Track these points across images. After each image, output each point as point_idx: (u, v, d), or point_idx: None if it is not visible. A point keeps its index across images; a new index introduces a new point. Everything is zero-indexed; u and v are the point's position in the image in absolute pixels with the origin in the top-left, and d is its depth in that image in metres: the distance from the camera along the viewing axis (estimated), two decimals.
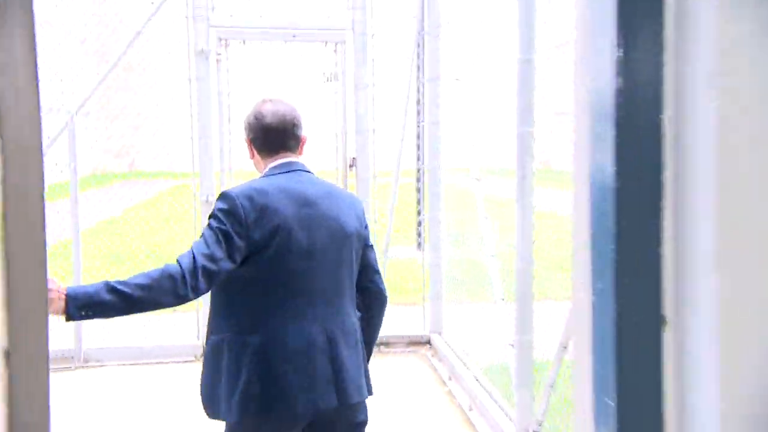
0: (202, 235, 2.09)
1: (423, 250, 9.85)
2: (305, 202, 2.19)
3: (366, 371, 2.33)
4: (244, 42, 5.48)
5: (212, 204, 2.41)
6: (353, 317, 2.30)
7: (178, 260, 2.03)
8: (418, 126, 6.53)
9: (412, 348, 5.66)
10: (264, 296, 2.17)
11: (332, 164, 5.81)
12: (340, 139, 5.66)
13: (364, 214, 2.40)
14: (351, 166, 5.60)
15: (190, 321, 5.84)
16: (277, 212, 2.13)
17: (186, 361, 5.39)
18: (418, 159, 9.17)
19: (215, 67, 5.39)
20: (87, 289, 1.98)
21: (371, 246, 2.43)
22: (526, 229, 3.51)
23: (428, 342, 5.67)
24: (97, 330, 5.78)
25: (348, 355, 2.23)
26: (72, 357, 5.31)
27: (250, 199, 2.12)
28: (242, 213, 2.08)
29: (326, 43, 5.61)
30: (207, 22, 5.32)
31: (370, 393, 2.32)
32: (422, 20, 5.58)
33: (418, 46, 5.81)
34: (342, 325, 2.23)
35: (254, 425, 2.16)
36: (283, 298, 2.17)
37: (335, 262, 2.23)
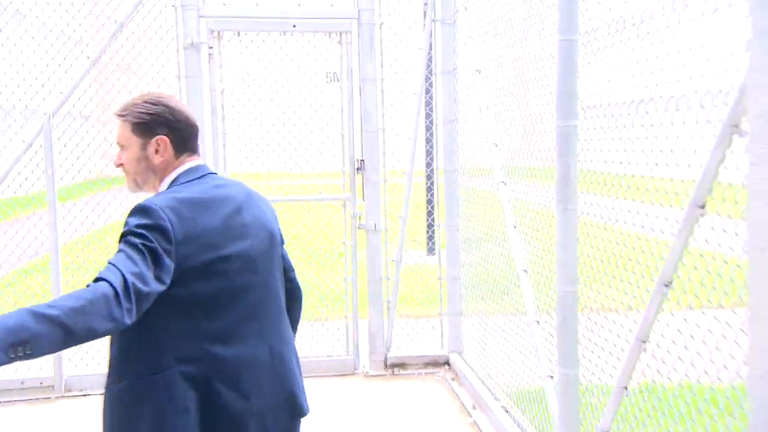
0: (123, 252, 1.74)
1: (436, 255, 9.32)
2: (235, 208, 1.99)
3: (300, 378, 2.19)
4: (238, 34, 4.95)
5: None
6: (288, 324, 2.18)
7: (104, 278, 1.65)
8: (430, 123, 5.99)
9: (429, 369, 5.12)
10: (203, 320, 1.90)
11: (337, 167, 5.28)
12: (346, 139, 5.13)
13: (274, 215, 2.21)
14: (358, 169, 5.06)
15: None
16: (208, 225, 1.90)
17: None
18: (428, 157, 8.70)
19: (207, 62, 4.85)
20: (6, 322, 1.50)
21: (284, 242, 2.28)
22: (569, 244, 2.97)
23: (447, 362, 5.13)
24: (81, 355, 5.25)
25: (294, 367, 2.13)
26: (52, 386, 4.79)
27: (176, 211, 1.84)
28: (170, 227, 1.80)
29: (330, 34, 5.07)
30: (197, 11, 4.78)
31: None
32: (434, 6, 5.04)
33: (431, 35, 5.27)
34: (284, 338, 2.11)
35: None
36: (224, 319, 1.94)
37: (270, 270, 2.09)
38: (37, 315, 1.53)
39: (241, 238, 1.97)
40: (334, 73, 5.42)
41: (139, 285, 1.68)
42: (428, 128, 7.71)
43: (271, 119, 5.50)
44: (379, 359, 5.12)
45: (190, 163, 2.02)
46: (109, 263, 1.71)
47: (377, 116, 5.06)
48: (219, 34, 4.88)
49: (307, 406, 2.17)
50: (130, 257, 1.72)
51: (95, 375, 4.85)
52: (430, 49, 5.31)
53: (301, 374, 2.18)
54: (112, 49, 4.91)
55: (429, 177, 9.22)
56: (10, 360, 1.50)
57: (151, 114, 1.97)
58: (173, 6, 4.80)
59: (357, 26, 4.95)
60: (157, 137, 1.96)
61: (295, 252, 10.02)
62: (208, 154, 4.91)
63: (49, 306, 1.57)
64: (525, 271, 3.69)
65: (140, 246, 1.74)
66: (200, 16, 4.81)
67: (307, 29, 4.98)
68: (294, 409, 2.11)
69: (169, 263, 1.79)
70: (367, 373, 5.08)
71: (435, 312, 6.37)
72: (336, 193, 5.53)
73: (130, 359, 1.89)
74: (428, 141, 8.35)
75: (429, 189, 9.76)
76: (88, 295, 1.60)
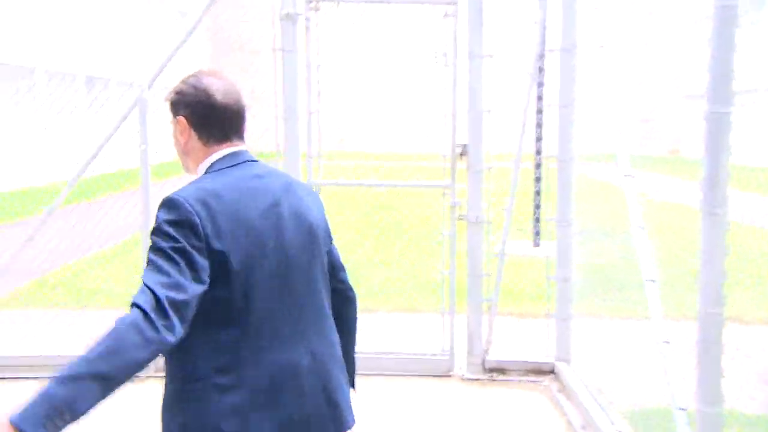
0: (152, 263, 1.62)
1: (542, 248, 8.72)
2: (272, 201, 1.82)
3: (347, 390, 2.02)
4: (338, 4, 4.61)
5: None
6: (333, 327, 1.99)
7: (133, 303, 1.54)
8: (541, 106, 5.44)
9: (531, 377, 4.65)
10: (237, 324, 1.75)
11: (438, 149, 4.88)
12: (449, 121, 4.70)
13: (322, 208, 2.03)
14: (461, 154, 4.63)
15: None
16: (242, 218, 1.74)
17: None
18: (538, 143, 8.10)
19: (303, 34, 4.55)
20: (36, 401, 1.41)
21: (332, 239, 2.09)
22: (716, 256, 2.45)
23: (552, 371, 4.65)
24: None
25: (338, 373, 1.95)
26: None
27: (205, 204, 1.70)
28: (198, 222, 1.67)
29: (435, 4, 4.64)
30: None
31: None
32: None
33: (547, 7, 4.73)
34: (327, 341, 1.93)
35: None
36: (262, 323, 1.77)
37: (310, 268, 1.89)
38: (62, 379, 1.43)
39: (275, 232, 1.80)
40: (445, 54, 5.00)
41: (174, 295, 1.56)
42: (538, 111, 7.11)
43: (368, 97, 5.16)
44: (477, 362, 4.72)
45: (228, 149, 1.87)
46: (142, 279, 1.58)
47: (483, 96, 4.59)
48: (317, 4, 4.56)
49: (353, 418, 2.00)
50: (159, 269, 1.59)
51: None
52: (545, 22, 4.77)
53: (346, 383, 2.01)
54: (214, 22, 4.72)
55: (538, 165, 8.66)
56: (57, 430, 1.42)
57: (177, 93, 1.87)
58: None
59: None
60: (178, 117, 1.85)
61: (391, 238, 9.78)
62: (301, 132, 4.64)
63: (76, 363, 1.46)
64: (653, 280, 3.16)
65: (169, 251, 1.62)
66: None
67: (410, 0, 4.58)
68: (338, 420, 1.92)
69: (203, 261, 1.65)
70: (463, 376, 4.70)
71: (540, 312, 5.89)
72: (436, 179, 5.13)
73: (172, 365, 1.77)
74: (538, 125, 7.80)
75: (537, 179, 9.21)
76: (114, 333, 1.49)
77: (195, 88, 1.85)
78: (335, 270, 2.09)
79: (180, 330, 1.56)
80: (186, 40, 4.59)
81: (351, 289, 2.18)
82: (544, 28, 4.79)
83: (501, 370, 4.70)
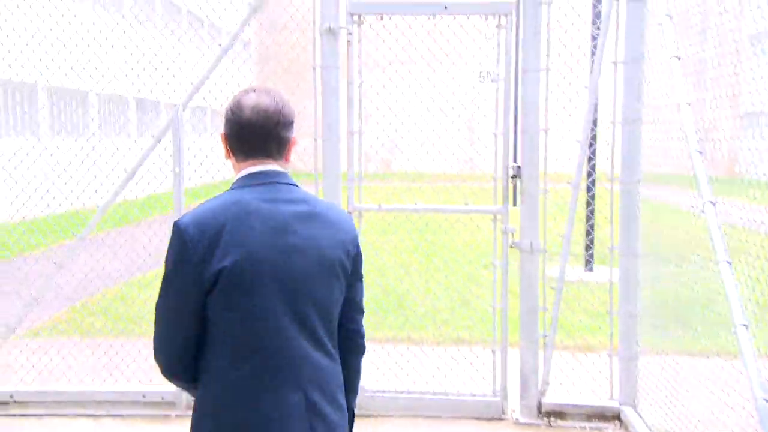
0: (156, 310, 1.81)
1: (594, 272, 8.18)
2: (281, 228, 1.75)
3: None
4: (381, 17, 4.30)
5: None
6: (335, 369, 1.85)
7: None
8: (594, 122, 5.01)
9: (594, 423, 4.19)
10: (225, 357, 1.73)
11: (486, 169, 4.49)
12: (500, 141, 4.31)
13: (355, 239, 1.92)
14: (514, 176, 4.23)
15: None
16: (239, 243, 1.69)
17: None
18: (590, 164, 7.60)
19: (345, 50, 4.25)
20: None
21: (361, 278, 1.98)
22: None
23: (617, 416, 4.17)
24: None
25: (335, 419, 1.81)
26: (173, 403, 4.44)
27: (201, 227, 1.70)
28: (191, 249, 1.69)
29: (486, 16, 4.28)
30: None
31: None
32: None
33: (608, 17, 4.32)
34: (325, 383, 1.80)
35: None
36: (252, 357, 1.72)
37: (316, 303, 1.79)
38: None
39: (278, 262, 1.72)
40: (488, 72, 4.64)
41: (162, 354, 1.81)
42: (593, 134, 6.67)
43: (413, 115, 4.81)
44: (532, 404, 4.27)
45: (253, 167, 1.81)
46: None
47: (539, 113, 4.19)
48: (360, 18, 4.26)
49: None
50: (159, 296, 1.78)
51: None
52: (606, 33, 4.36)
53: (345, 410, 1.88)
54: (251, 39, 4.45)
55: (590, 185, 8.12)
56: None
57: (226, 109, 1.86)
58: None
59: (520, 6, 4.13)
60: (222, 135, 1.88)
61: (438, 265, 9.37)
62: (342, 153, 4.32)
63: None
64: (745, 326, 2.69)
65: (167, 276, 1.75)
66: None
67: (460, 11, 4.24)
68: None
69: (192, 289, 1.70)
70: (517, 420, 4.25)
71: (598, 344, 5.41)
72: (485, 203, 4.74)
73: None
74: (590, 143, 7.30)
75: (589, 202, 8.65)
76: None
77: (231, 103, 1.84)
78: (352, 310, 1.95)
79: (170, 358, 1.84)
80: (221, 58, 4.33)
81: (362, 336, 2.02)
82: (604, 38, 4.37)
83: (559, 414, 4.24)
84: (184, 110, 4.42)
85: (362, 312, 2.02)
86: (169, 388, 4.40)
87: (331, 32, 4.18)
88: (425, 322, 6.71)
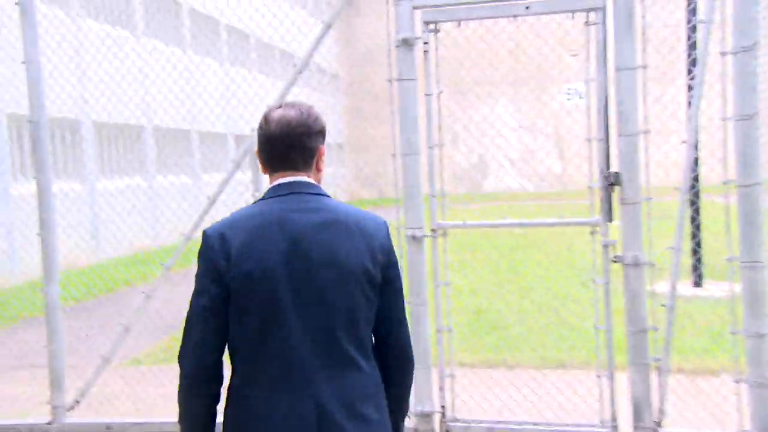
0: (186, 317, 1.82)
1: (701, 286, 7.53)
2: (298, 237, 1.74)
3: None
4: (459, 24, 4.03)
5: (420, 241, 2.89)
6: (362, 378, 1.78)
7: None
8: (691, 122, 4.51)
9: None
10: (240, 360, 1.79)
11: (584, 181, 4.10)
12: (594, 147, 3.92)
13: (382, 244, 1.84)
14: (612, 184, 3.82)
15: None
16: (255, 252, 1.73)
17: None
18: (695, 167, 6.96)
19: (422, 61, 4.01)
20: None
21: (396, 289, 1.89)
22: None
23: None
24: None
25: (351, 421, 1.72)
26: None
27: (222, 238, 1.76)
28: (213, 257, 1.75)
29: (573, 14, 3.93)
30: (410, 2, 3.98)
31: None
32: None
33: (712, 9, 3.87)
34: (341, 393, 1.74)
35: None
36: (263, 363, 1.75)
37: (335, 312, 1.75)
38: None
39: (292, 272, 1.73)
40: (575, 88, 4.28)
41: (186, 359, 1.80)
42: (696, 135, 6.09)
43: (496, 125, 4.48)
44: None
45: (280, 179, 1.85)
46: None
47: (637, 115, 3.77)
48: (436, 26, 4.01)
49: None
50: (187, 326, 1.80)
51: None
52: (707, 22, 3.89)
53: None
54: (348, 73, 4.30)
55: (697, 192, 7.42)
56: None
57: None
58: (385, 1, 4.05)
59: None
60: (256, 151, 1.97)
61: (531, 282, 8.88)
62: (422, 170, 4.06)
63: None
64: None
65: (197, 280, 1.79)
66: (414, 8, 3.99)
67: (543, 10, 3.91)
68: None
69: (216, 292, 1.75)
70: None
71: (715, 366, 4.84)
72: (581, 216, 4.32)
73: None
74: (694, 145, 6.67)
75: (693, 216, 7.93)
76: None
77: (263, 120, 1.87)
78: (389, 323, 1.89)
79: (194, 361, 1.83)
80: (295, 80, 4.19)
81: (404, 349, 1.94)
82: (708, 26, 3.91)
83: None
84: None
85: (402, 324, 1.94)
86: None
87: (407, 43, 3.96)
88: (521, 344, 6.29)
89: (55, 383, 4.54)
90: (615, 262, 3.81)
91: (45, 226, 4.48)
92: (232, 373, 1.81)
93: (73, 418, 4.55)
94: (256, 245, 1.73)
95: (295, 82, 4.21)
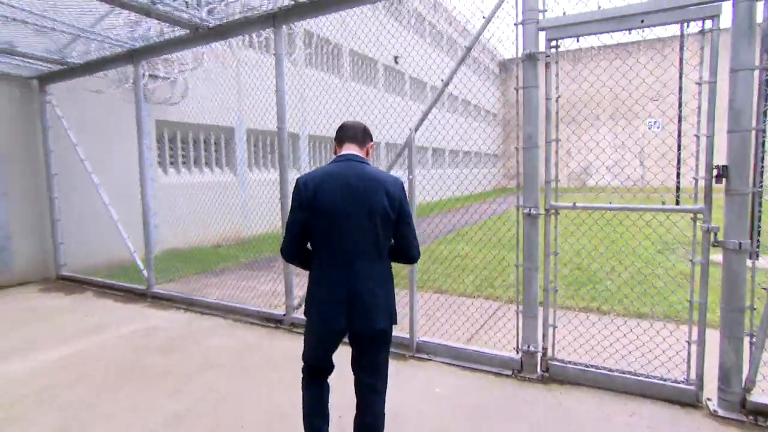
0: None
1: None
2: (345, 185, 2.06)
3: (388, 309, 2.12)
4: (577, 40, 3.24)
5: (535, 218, 2.95)
6: (378, 268, 2.10)
7: None
8: None
9: None
10: (317, 247, 2.14)
11: (688, 176, 3.16)
12: (702, 142, 2.97)
13: (396, 194, 2.09)
14: (718, 176, 2.88)
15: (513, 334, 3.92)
16: (323, 192, 2.07)
17: (500, 374, 3.50)
18: None
19: (543, 71, 3.29)
20: None
21: (406, 222, 2.12)
22: None
23: None
24: (425, 330, 4.31)
25: (366, 293, 2.07)
26: (408, 346, 3.96)
27: (306, 183, 2.10)
28: (302, 192, 2.10)
29: (687, 23, 2.96)
30: (536, 25, 3.26)
31: (384, 324, 2.10)
32: None
33: None
34: (362, 272, 2.07)
35: (308, 325, 2.22)
36: (326, 249, 2.10)
37: (361, 229, 2.06)
38: None
39: (342, 204, 2.04)
40: (655, 121, 3.26)
41: (286, 233, 2.18)
42: None
43: (600, 144, 3.63)
44: (734, 400, 2.90)
45: (345, 150, 2.20)
46: None
47: (749, 111, 2.77)
48: (557, 42, 3.26)
49: (380, 323, 2.09)
50: (285, 232, 2.18)
51: (440, 343, 3.85)
52: None
53: (382, 299, 2.10)
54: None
55: None
56: None
57: None
58: (514, 24, 3.36)
59: (731, 5, 2.75)
60: (334, 141, 2.28)
61: (620, 248, 7.61)
62: (540, 160, 3.38)
63: None
64: None
65: (289, 216, 2.16)
66: (539, 29, 3.27)
67: (657, 22, 2.99)
68: (352, 313, 2.07)
69: (301, 214, 2.11)
70: (715, 412, 2.92)
71: None
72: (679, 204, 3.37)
73: None
74: None
75: None
76: None
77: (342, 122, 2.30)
78: (402, 241, 2.14)
79: (284, 251, 2.20)
80: (439, 97, 3.67)
81: (407, 256, 2.17)
82: None
83: (767, 414, 2.81)
84: (415, 132, 3.88)
85: (409, 242, 2.14)
86: (404, 335, 3.95)
87: (531, 57, 3.26)
88: (610, 296, 5.33)
89: (288, 291, 4.61)
90: (715, 246, 2.89)
91: (284, 196, 4.55)
92: (312, 258, 2.16)
93: (298, 314, 4.63)
94: (325, 187, 2.06)
95: (437, 101, 3.69)
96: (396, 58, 16.95)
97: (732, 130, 2.79)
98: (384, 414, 2.17)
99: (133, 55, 5.84)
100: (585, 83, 3.74)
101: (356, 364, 2.18)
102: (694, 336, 3.04)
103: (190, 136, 9.92)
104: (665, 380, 3.13)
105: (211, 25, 4.91)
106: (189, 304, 5.47)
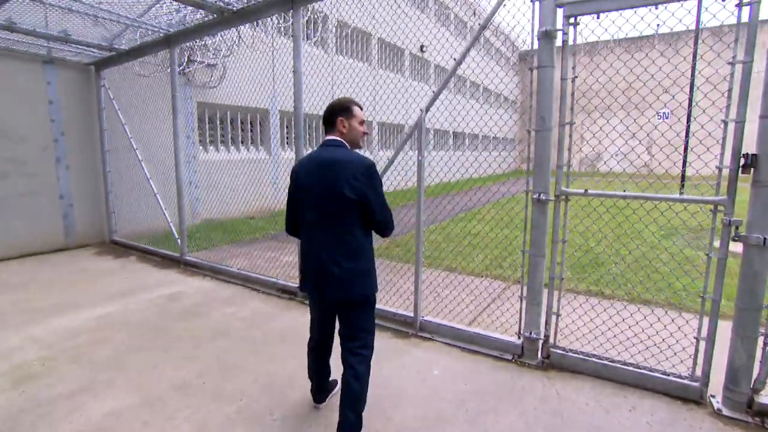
0: None
1: None
2: (317, 166, 2.07)
3: (353, 279, 2.07)
4: (597, 16, 2.74)
5: (544, 204, 2.59)
6: (345, 241, 2.06)
7: None
8: None
9: None
10: (300, 223, 2.20)
11: (664, 169, 2.66)
12: (730, 129, 2.47)
13: (359, 176, 2.02)
14: (745, 165, 2.39)
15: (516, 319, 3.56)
16: (304, 176, 2.10)
17: (500, 358, 3.17)
18: None
19: (560, 50, 2.81)
20: None
21: (371, 200, 2.04)
22: None
23: None
24: (431, 309, 3.99)
25: (333, 264, 2.06)
26: (412, 324, 3.67)
27: (296, 166, 2.18)
28: (293, 174, 2.18)
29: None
30: (554, 0, 2.76)
31: (352, 293, 2.08)
32: None
33: None
34: (330, 245, 2.07)
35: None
36: (306, 228, 2.15)
37: (329, 207, 2.05)
38: None
39: (317, 186, 2.05)
40: (663, 112, 2.73)
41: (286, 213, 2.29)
42: None
43: (610, 135, 3.11)
44: (741, 400, 2.49)
45: (327, 136, 2.19)
46: None
47: None
48: (575, 20, 2.76)
49: (352, 293, 2.07)
50: (286, 212, 2.30)
51: (443, 324, 3.54)
52: None
53: (350, 269, 2.06)
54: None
55: None
56: None
57: None
58: (531, 0, 2.88)
59: None
60: None
61: (626, 231, 7.02)
62: (553, 141, 2.93)
63: None
64: None
65: (287, 200, 2.27)
66: (557, 5, 2.78)
67: None
68: (331, 284, 2.07)
69: (291, 192, 2.22)
70: (719, 410, 2.52)
71: None
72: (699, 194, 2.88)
73: None
74: None
75: None
76: None
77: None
78: (369, 215, 2.07)
79: (287, 228, 2.30)
80: (452, 76, 3.23)
81: (378, 226, 2.09)
82: None
83: None
84: (426, 113, 3.47)
85: (377, 218, 2.06)
86: (410, 313, 3.65)
87: (548, 35, 2.79)
88: (614, 281, 4.86)
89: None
90: (736, 240, 2.43)
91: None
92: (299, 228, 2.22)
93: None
94: (304, 170, 2.10)
95: (446, 86, 3.26)
96: (422, 47, 16.17)
97: (765, 116, 2.29)
98: (365, 379, 2.10)
99: (169, 40, 5.58)
100: (598, 71, 3.22)
101: (340, 329, 2.20)
102: (704, 332, 2.61)
103: (229, 117, 9.72)
104: (668, 374, 2.72)
105: (234, 8, 4.57)
106: (215, 272, 5.33)
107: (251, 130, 10.25)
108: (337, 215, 2.04)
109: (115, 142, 7.32)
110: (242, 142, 10.06)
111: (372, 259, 2.10)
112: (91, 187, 7.38)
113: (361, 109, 2.24)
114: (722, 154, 2.43)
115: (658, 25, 2.89)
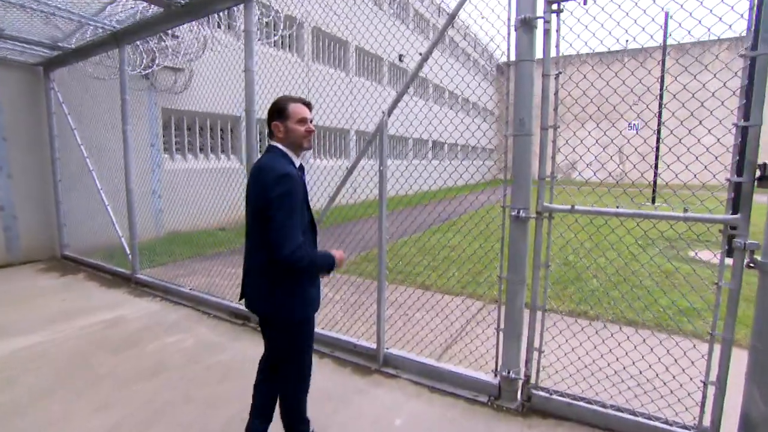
0: None
1: None
2: (251, 175, 1.91)
3: (263, 295, 1.90)
4: (584, 2, 2.27)
5: (524, 222, 2.13)
6: (261, 257, 1.86)
7: None
8: None
9: None
10: None
11: (720, 176, 2.23)
12: (739, 134, 2.02)
13: (267, 185, 1.79)
14: (761, 177, 1.93)
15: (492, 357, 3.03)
16: (248, 184, 1.97)
17: (474, 400, 2.63)
18: None
19: (541, 41, 2.34)
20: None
21: (269, 216, 1.78)
22: None
23: None
24: (400, 336, 3.45)
25: (250, 281, 1.94)
26: (375, 357, 3.11)
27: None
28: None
29: None
30: None
31: (265, 310, 1.91)
32: None
33: None
34: (250, 259, 1.94)
35: None
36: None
37: (250, 220, 1.91)
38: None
39: (247, 189, 1.94)
40: (633, 123, 2.43)
41: None
42: None
43: (585, 142, 2.64)
44: None
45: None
46: None
47: None
48: (559, 5, 2.29)
49: (250, 306, 1.95)
50: None
51: (410, 359, 2.99)
52: None
53: (262, 285, 1.89)
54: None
55: None
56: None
57: None
58: None
59: None
60: None
61: (608, 244, 6.63)
62: (536, 148, 2.44)
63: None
64: None
65: None
66: None
67: None
68: (250, 298, 1.96)
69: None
70: None
71: None
72: (709, 211, 2.43)
73: None
74: None
75: None
76: None
77: None
78: (269, 232, 1.83)
79: None
80: (417, 73, 2.73)
81: (273, 248, 1.79)
82: None
83: None
84: (388, 117, 2.95)
85: (270, 233, 1.78)
86: (372, 345, 3.10)
87: (527, 23, 2.31)
88: (596, 298, 4.42)
89: None
90: (751, 267, 1.96)
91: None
92: None
93: None
94: (248, 181, 1.95)
95: (407, 90, 2.75)
96: (401, 56, 15.78)
97: None
98: (285, 401, 2.01)
99: (117, 38, 4.96)
100: (570, 83, 2.77)
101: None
102: (713, 376, 2.13)
103: (197, 124, 9.05)
104: (671, 424, 2.24)
105: (182, 2, 4.00)
106: (166, 293, 4.68)
107: (221, 138, 9.61)
108: (252, 227, 1.91)
109: (67, 149, 6.60)
110: (212, 150, 9.41)
111: (286, 280, 1.85)
112: (39, 198, 6.61)
113: (306, 104, 1.93)
114: (733, 164, 1.97)
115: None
